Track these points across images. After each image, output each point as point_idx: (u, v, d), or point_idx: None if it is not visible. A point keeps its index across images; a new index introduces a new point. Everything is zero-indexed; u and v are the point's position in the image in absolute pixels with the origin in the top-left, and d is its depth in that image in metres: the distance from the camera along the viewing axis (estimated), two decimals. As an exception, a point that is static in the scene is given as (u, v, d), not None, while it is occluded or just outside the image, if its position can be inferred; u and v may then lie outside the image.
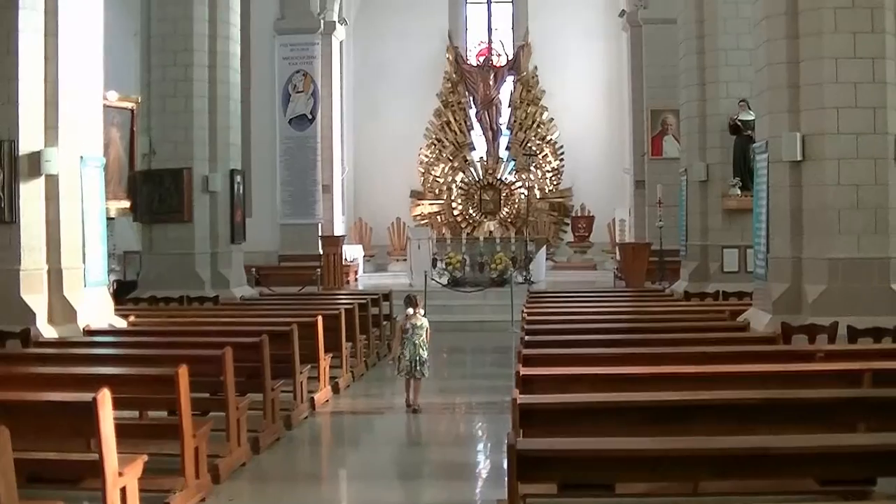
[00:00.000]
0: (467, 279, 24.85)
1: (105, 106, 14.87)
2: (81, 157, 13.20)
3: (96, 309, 13.44)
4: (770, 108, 12.80)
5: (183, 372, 8.44)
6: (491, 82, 33.01)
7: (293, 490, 9.80)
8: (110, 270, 16.03)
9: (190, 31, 19.28)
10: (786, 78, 12.45)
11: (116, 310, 14.38)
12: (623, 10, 30.11)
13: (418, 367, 13.09)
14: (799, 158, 12.26)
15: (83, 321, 12.94)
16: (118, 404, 7.37)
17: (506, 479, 6.27)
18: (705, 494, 7.04)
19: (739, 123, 18.43)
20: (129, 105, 18.42)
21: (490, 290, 23.73)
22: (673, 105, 23.46)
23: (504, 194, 32.17)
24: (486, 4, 34.73)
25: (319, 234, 28.54)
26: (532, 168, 32.61)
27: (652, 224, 24.73)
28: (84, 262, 13.25)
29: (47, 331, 12.51)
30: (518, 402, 7.13)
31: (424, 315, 13.70)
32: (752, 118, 15.99)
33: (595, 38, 33.15)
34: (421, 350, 13.14)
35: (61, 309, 12.88)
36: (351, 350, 15.65)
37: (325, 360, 13.80)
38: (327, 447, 12.30)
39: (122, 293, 19.08)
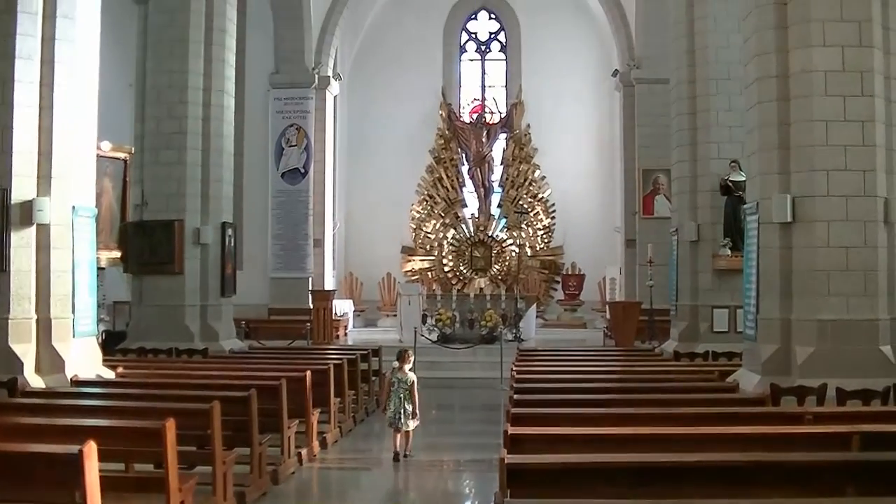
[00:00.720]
0: (457, 336, 24.80)
1: (98, 156, 14.92)
2: (74, 208, 13.20)
3: (84, 359, 13.38)
4: (760, 169, 12.87)
5: (170, 425, 8.39)
6: (484, 139, 33.20)
7: (278, 546, 9.72)
8: (99, 320, 15.97)
9: (185, 83, 19.38)
10: (776, 140, 12.52)
11: (105, 360, 14.30)
12: (616, 69, 30.33)
13: (402, 420, 13.37)
14: (789, 220, 12.30)
15: (71, 371, 12.87)
16: (104, 456, 7.31)
17: (493, 538, 6.23)
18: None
19: (730, 184, 18.50)
20: (123, 155, 18.48)
21: (480, 347, 23.68)
22: (665, 164, 23.56)
23: (495, 251, 32.21)
24: (479, 62, 35.02)
25: (310, 288, 28.51)
26: (523, 226, 32.69)
27: (642, 283, 24.74)
28: (73, 312, 13.20)
29: (34, 381, 12.43)
30: (505, 461, 7.10)
31: (412, 370, 13.91)
32: (743, 179, 16.03)
33: (588, 97, 33.42)
34: (405, 403, 13.43)
35: (49, 359, 12.81)
36: (339, 405, 15.57)
37: (313, 415, 13.73)
38: (314, 502, 12.20)
39: (111, 344, 19.01)
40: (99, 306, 15.16)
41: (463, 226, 32.69)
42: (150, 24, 19.70)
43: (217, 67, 19.91)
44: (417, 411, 13.63)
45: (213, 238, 19.77)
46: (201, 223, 19.57)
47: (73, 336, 13.19)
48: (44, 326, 12.84)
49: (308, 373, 13.67)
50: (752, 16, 12.97)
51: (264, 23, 29.53)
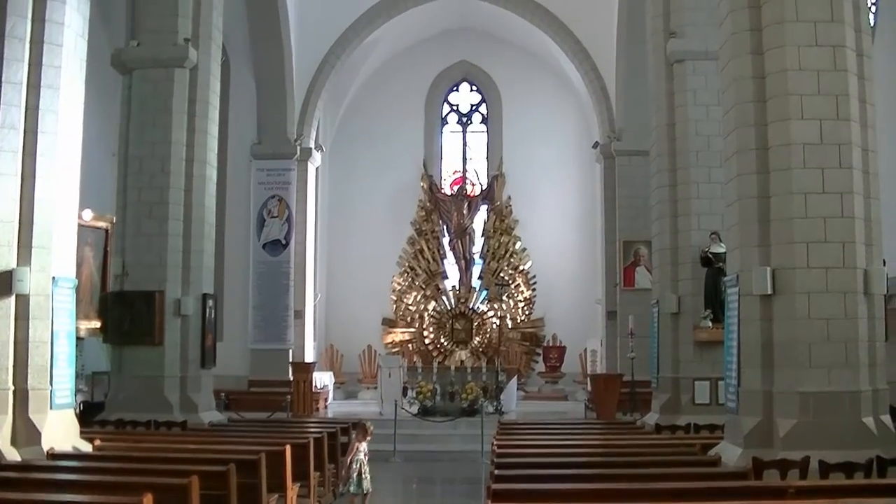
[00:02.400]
0: (438, 408, 24.67)
1: (80, 225, 14.88)
2: (54, 278, 13.15)
3: (61, 432, 13.24)
4: (741, 241, 12.92)
5: (148, 501, 8.29)
6: (465, 211, 33.33)
7: None
8: (77, 391, 15.86)
9: (168, 154, 19.40)
10: (756, 212, 12.59)
11: (82, 432, 14.16)
12: (597, 141, 30.57)
13: (363, 484, 14.60)
14: (769, 292, 12.32)
15: (47, 444, 12.73)
16: (80, 530, 7.22)
17: None
18: None
19: (711, 256, 18.56)
20: (104, 225, 18.47)
21: (461, 420, 23.53)
22: (645, 236, 23.66)
23: (476, 324, 32.19)
24: (461, 134, 35.23)
25: (290, 359, 28.40)
26: (504, 298, 32.70)
27: (624, 355, 24.71)
28: (51, 383, 13.09)
29: (10, 453, 12.28)
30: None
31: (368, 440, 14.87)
32: (724, 251, 16.11)
33: (569, 168, 33.63)
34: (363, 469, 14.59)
35: (25, 431, 12.68)
36: (319, 479, 15.44)
37: (292, 490, 13.60)
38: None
39: (89, 415, 18.84)
40: (77, 376, 15.05)
41: (444, 298, 32.69)
42: (134, 93, 19.76)
43: (200, 138, 19.96)
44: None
45: (194, 309, 19.67)
46: (182, 294, 19.48)
47: (51, 408, 13.07)
48: (20, 397, 12.72)
49: (287, 447, 13.55)
50: (731, 89, 13.10)
51: (247, 94, 29.72)
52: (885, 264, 12.80)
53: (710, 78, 18.56)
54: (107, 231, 18.45)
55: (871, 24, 19.53)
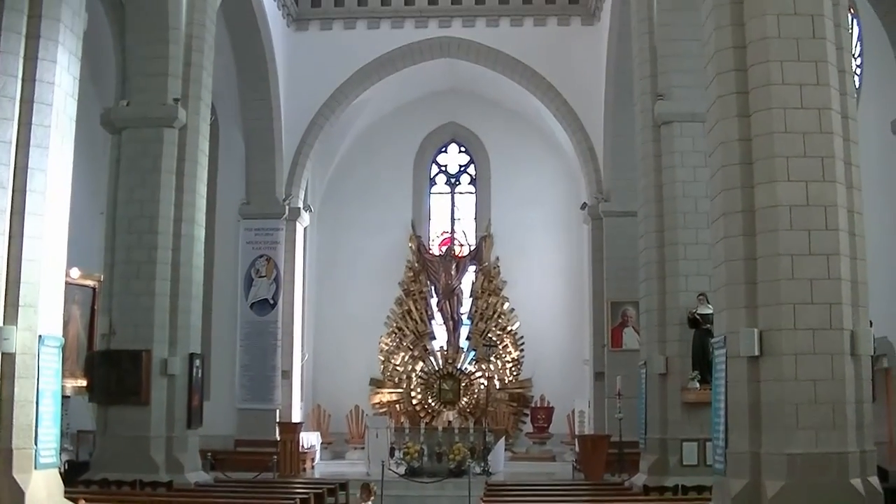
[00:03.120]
0: (425, 469, 24.52)
1: (67, 283, 14.87)
2: (40, 337, 13.13)
3: (45, 492, 13.15)
4: (728, 303, 12.95)
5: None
6: (453, 272, 33.34)
7: None
8: (62, 450, 15.75)
9: (156, 213, 19.44)
10: (743, 274, 12.63)
11: (67, 492, 14.06)
12: (584, 202, 30.69)
13: None
14: (756, 354, 12.32)
15: (32, 504, 12.65)
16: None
17: None
18: None
19: (698, 317, 18.57)
20: (92, 283, 18.45)
21: (448, 481, 23.37)
22: (633, 297, 23.66)
23: (464, 384, 32.07)
24: (449, 194, 35.34)
25: (277, 420, 28.25)
26: (492, 358, 32.63)
27: (611, 415, 24.63)
28: (36, 443, 13.02)
29: (-7, 513, 12.22)
30: None
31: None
32: (711, 312, 16.13)
33: (557, 229, 33.70)
34: None
35: (9, 491, 12.59)
36: (305, 539, 15.35)
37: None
38: None
39: (74, 474, 18.69)
40: (62, 435, 14.96)
41: (431, 358, 32.59)
42: (124, 153, 19.85)
43: (188, 198, 20.02)
44: None
45: (181, 369, 19.61)
46: (169, 354, 19.42)
47: (35, 467, 12.99)
48: (4, 457, 12.65)
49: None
50: (718, 151, 13.20)
51: (236, 153, 29.87)
52: (871, 325, 12.83)
53: (697, 140, 18.70)
54: (94, 289, 18.41)
55: (856, 86, 19.76)
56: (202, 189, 20.67)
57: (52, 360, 13.51)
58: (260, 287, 29.55)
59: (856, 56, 21.20)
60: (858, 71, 21.24)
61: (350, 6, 31.43)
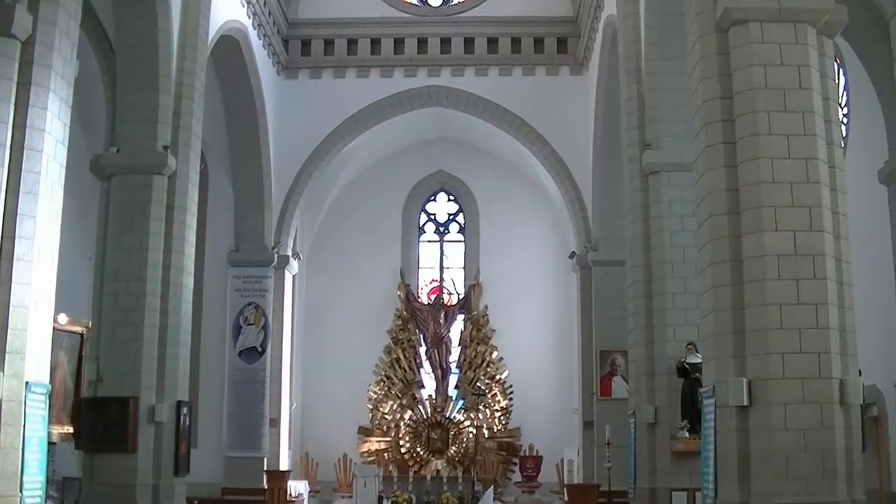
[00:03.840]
0: (414, 518, 24.42)
1: (55, 329, 14.81)
2: (27, 384, 13.06)
3: (30, 540, 13.05)
4: (716, 353, 12.96)
5: None
6: (441, 321, 33.32)
7: None
8: (48, 497, 15.59)
9: (145, 261, 19.40)
10: (731, 324, 12.65)
11: (51, 541, 13.95)
12: (573, 251, 30.73)
13: None
14: (745, 403, 12.31)
15: (16, 553, 12.54)
16: None
17: None
18: None
19: (687, 366, 18.55)
20: (79, 329, 18.32)
21: (437, 530, 23.28)
22: (622, 346, 23.63)
23: (452, 433, 31.96)
24: (438, 243, 35.38)
25: (265, 468, 28.10)
26: (481, 407, 32.52)
27: (601, 465, 24.47)
28: (21, 490, 12.91)
29: (-23, 562, 12.10)
30: None
31: None
32: (700, 361, 16.11)
33: (545, 278, 33.73)
34: None
35: (-6, 539, 12.50)
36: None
37: None
38: None
39: (59, 523, 18.55)
40: (48, 482, 14.83)
41: (420, 407, 32.50)
42: (113, 199, 19.84)
43: (177, 245, 20.02)
44: None
45: (168, 416, 19.51)
46: (156, 401, 19.32)
47: (20, 515, 12.89)
48: (-11, 505, 12.56)
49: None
50: (706, 201, 13.27)
51: (225, 201, 29.89)
52: (860, 374, 12.85)
53: (685, 189, 18.74)
54: (82, 335, 18.29)
55: (843, 135, 19.91)
56: (191, 236, 20.67)
57: (38, 407, 13.44)
58: (248, 335, 29.48)
59: (842, 105, 21.37)
60: (845, 120, 21.41)
61: (340, 55, 31.61)
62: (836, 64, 15.75)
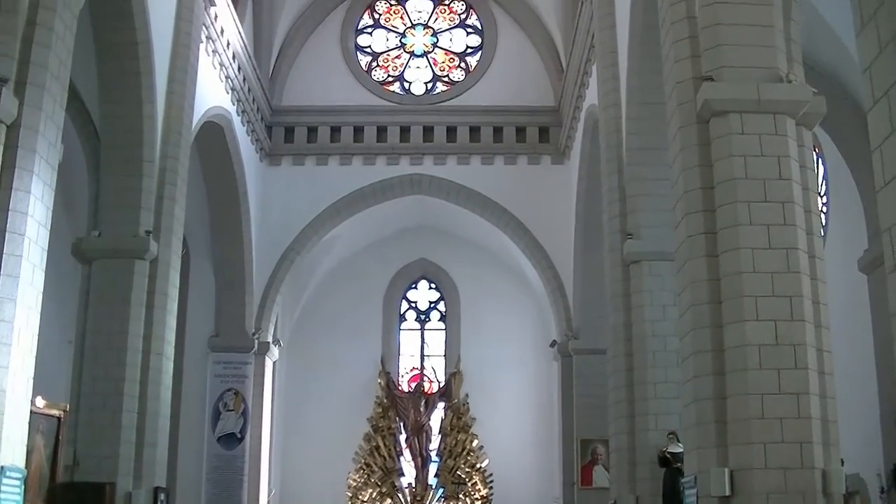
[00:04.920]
0: None
1: (32, 412, 14.67)
2: (2, 468, 12.90)
3: None
4: (698, 442, 12.90)
5: None
6: (422, 409, 33.11)
7: None
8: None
9: (124, 345, 19.29)
10: (713, 413, 12.61)
11: None
12: (554, 340, 30.74)
13: None
14: (727, 494, 12.21)
15: None
16: None
17: None
18: None
19: (669, 456, 18.43)
20: (57, 413, 18.16)
21: None
22: (603, 434, 23.53)
23: (432, 522, 31.67)
24: (419, 331, 35.33)
25: (241, 556, 27.78)
26: (461, 496, 32.22)
27: (581, 556, 24.35)
28: (-6, 577, 12.73)
29: None
30: None
31: None
32: (682, 451, 16.05)
33: (526, 366, 33.69)
34: None
35: None
36: None
37: None
38: None
39: None
40: (21, 572, 14.58)
41: (400, 495, 32.16)
42: (94, 283, 19.79)
43: (158, 330, 19.94)
44: None
45: (146, 503, 19.27)
46: (133, 487, 19.08)
47: None
48: (-39, 592, 12.35)
49: None
50: (687, 291, 13.31)
51: (207, 286, 29.86)
52: (843, 463, 12.80)
53: (666, 278, 18.81)
54: (59, 419, 18.11)
55: (823, 224, 20.08)
56: (171, 322, 20.61)
57: (13, 492, 13.27)
58: (227, 421, 29.28)
59: (821, 195, 21.59)
60: (825, 209, 21.61)
61: (323, 142, 31.86)
62: (814, 153, 15.94)
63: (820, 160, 21.53)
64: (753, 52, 13.30)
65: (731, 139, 13.04)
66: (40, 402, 16.78)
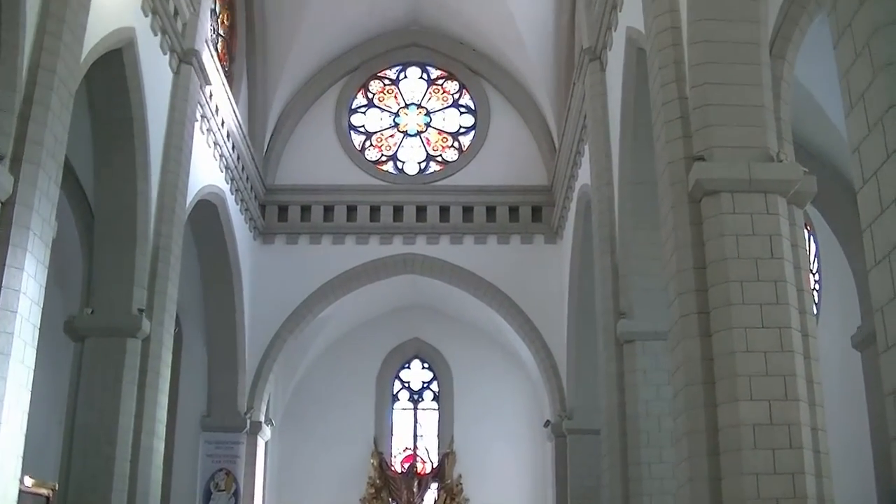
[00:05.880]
0: None
1: (20, 491, 14.53)
2: (-11, 548, 12.77)
3: None
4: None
5: None
6: (415, 489, 32.88)
7: None
8: None
9: (115, 424, 19.10)
10: (708, 495, 12.47)
11: None
12: (548, 420, 30.58)
13: None
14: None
15: None
16: None
17: None
18: None
19: (664, 537, 18.32)
20: (45, 492, 17.97)
21: None
22: (598, 517, 23.37)
23: None
24: (412, 411, 35.15)
25: None
26: (454, 578, 31.93)
27: None
28: None
29: None
30: None
31: None
32: (676, 532, 15.91)
33: (520, 446, 33.52)
34: None
35: None
36: None
37: None
38: None
39: None
40: None
41: (392, 577, 31.86)
42: (85, 361, 19.66)
43: (149, 409, 19.78)
44: None
45: (133, 585, 19.03)
46: (121, 569, 18.88)
47: None
48: None
49: None
50: (681, 371, 13.26)
51: (199, 365, 29.68)
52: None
53: (660, 358, 18.77)
54: (48, 498, 17.92)
55: (816, 302, 20.11)
56: (163, 401, 20.46)
57: (0, 574, 13.12)
58: (218, 501, 28.96)
59: (814, 272, 21.65)
60: (817, 287, 21.65)
61: (316, 221, 31.93)
62: (806, 231, 16.01)
63: (811, 237, 21.63)
64: (744, 131, 13.42)
65: (722, 218, 13.09)
66: (28, 481, 16.63)
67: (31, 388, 14.12)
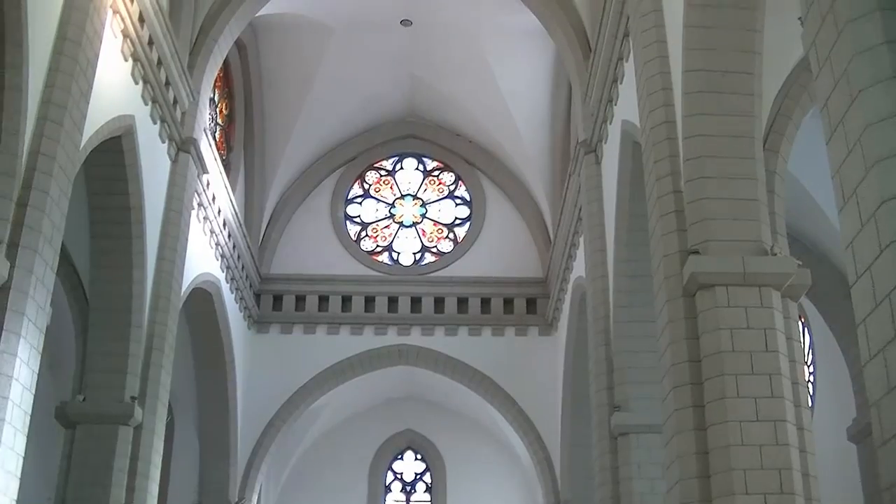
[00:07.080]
0: None
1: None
2: None
3: None
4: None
5: None
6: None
7: None
8: None
9: (107, 499, 18.89)
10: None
11: None
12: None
13: None
14: None
15: None
16: None
17: None
18: None
19: None
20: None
21: None
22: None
23: None
24: (404, 503, 34.82)
25: None
26: None
27: None
28: None
29: None
30: None
31: None
32: None
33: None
34: None
35: None
36: None
37: None
38: None
39: None
40: None
41: None
42: (76, 448, 19.51)
43: (139, 497, 19.56)
44: None
45: None
46: None
47: None
48: None
49: None
50: (675, 465, 13.20)
51: (191, 453, 29.44)
52: None
53: (654, 451, 18.66)
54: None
55: (811, 394, 20.06)
56: (154, 489, 20.26)
57: None
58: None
59: (808, 364, 21.63)
60: (812, 378, 21.62)
61: (310, 311, 31.93)
62: (800, 323, 16.05)
63: (806, 329, 21.65)
64: (738, 225, 13.50)
65: (717, 312, 13.11)
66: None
67: (20, 476, 14.00)
